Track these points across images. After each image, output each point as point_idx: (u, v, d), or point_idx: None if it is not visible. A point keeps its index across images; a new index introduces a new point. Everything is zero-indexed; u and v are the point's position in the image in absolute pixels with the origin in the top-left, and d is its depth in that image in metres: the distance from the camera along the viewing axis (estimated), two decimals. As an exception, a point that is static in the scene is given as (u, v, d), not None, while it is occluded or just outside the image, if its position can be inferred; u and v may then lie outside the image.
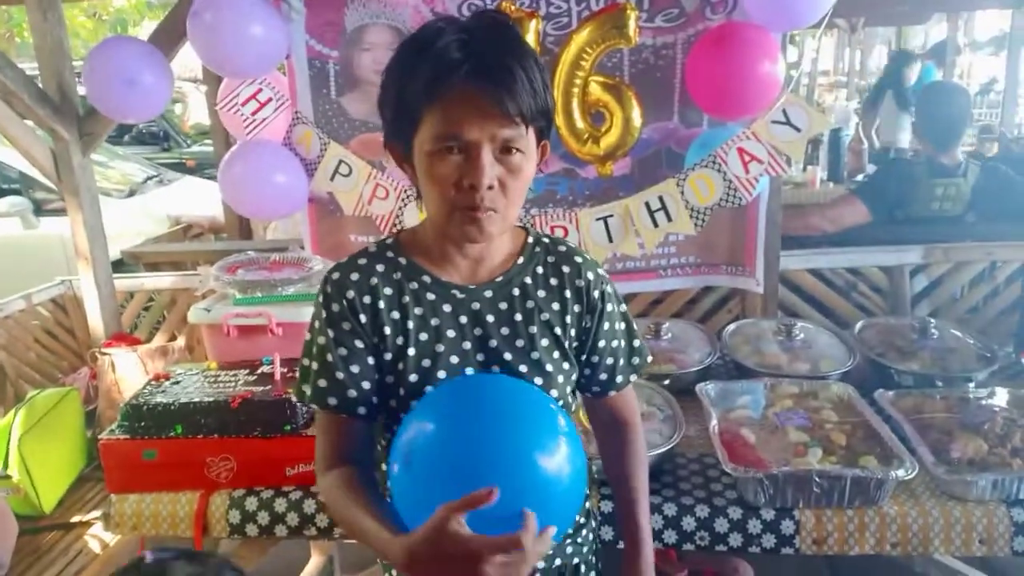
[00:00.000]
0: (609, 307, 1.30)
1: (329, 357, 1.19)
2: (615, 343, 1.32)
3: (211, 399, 1.77)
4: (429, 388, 1.17)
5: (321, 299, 1.21)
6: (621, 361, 1.33)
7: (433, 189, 1.12)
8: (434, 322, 1.20)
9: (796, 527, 1.65)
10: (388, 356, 1.19)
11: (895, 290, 2.83)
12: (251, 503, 1.76)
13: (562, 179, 2.56)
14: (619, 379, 1.34)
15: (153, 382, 1.91)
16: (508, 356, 1.20)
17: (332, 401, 1.19)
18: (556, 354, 1.24)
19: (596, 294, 1.28)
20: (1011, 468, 1.62)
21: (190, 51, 2.40)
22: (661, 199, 2.36)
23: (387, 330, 1.19)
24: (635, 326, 1.37)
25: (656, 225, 2.37)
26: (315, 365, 1.21)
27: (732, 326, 2.43)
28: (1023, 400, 1.87)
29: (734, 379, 2.14)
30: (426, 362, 1.18)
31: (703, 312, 2.85)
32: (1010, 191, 3.00)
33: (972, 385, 2.01)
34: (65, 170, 2.66)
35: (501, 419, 1.05)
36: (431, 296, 1.21)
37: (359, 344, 1.19)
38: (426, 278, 1.22)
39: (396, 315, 1.19)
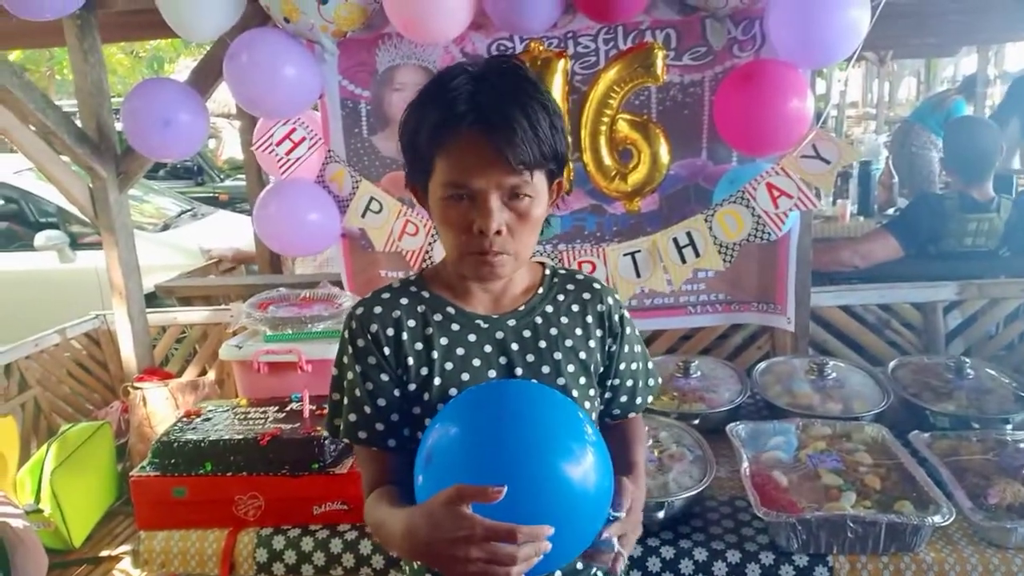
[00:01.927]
0: (628, 330, 1.33)
1: (357, 392, 1.22)
2: (635, 365, 1.35)
3: (240, 437, 1.78)
4: None
5: (347, 334, 1.24)
6: (640, 383, 1.36)
7: (446, 233, 1.17)
8: (459, 351, 1.22)
9: (830, 573, 1.61)
10: (412, 387, 1.21)
11: (929, 327, 2.78)
12: (278, 542, 1.76)
13: (589, 215, 2.57)
14: (638, 400, 1.36)
15: (184, 419, 1.93)
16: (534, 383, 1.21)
17: (362, 435, 1.22)
18: (582, 380, 1.26)
19: (617, 318, 1.31)
20: (1052, 514, 1.58)
21: (224, 87, 2.46)
22: (689, 235, 2.36)
23: (410, 361, 1.21)
24: (647, 349, 1.40)
25: (684, 261, 2.37)
26: (345, 400, 1.24)
27: (763, 364, 2.41)
28: (1063, 443, 1.82)
29: (765, 419, 2.11)
30: (452, 391, 1.20)
31: (733, 348, 2.82)
32: (1045, 227, 2.96)
33: (1010, 427, 1.97)
34: (102, 207, 2.71)
35: (524, 421, 1.04)
36: (455, 327, 1.23)
37: (384, 377, 1.21)
38: (450, 309, 1.24)
39: (420, 346, 1.22)
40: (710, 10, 2.26)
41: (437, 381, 1.20)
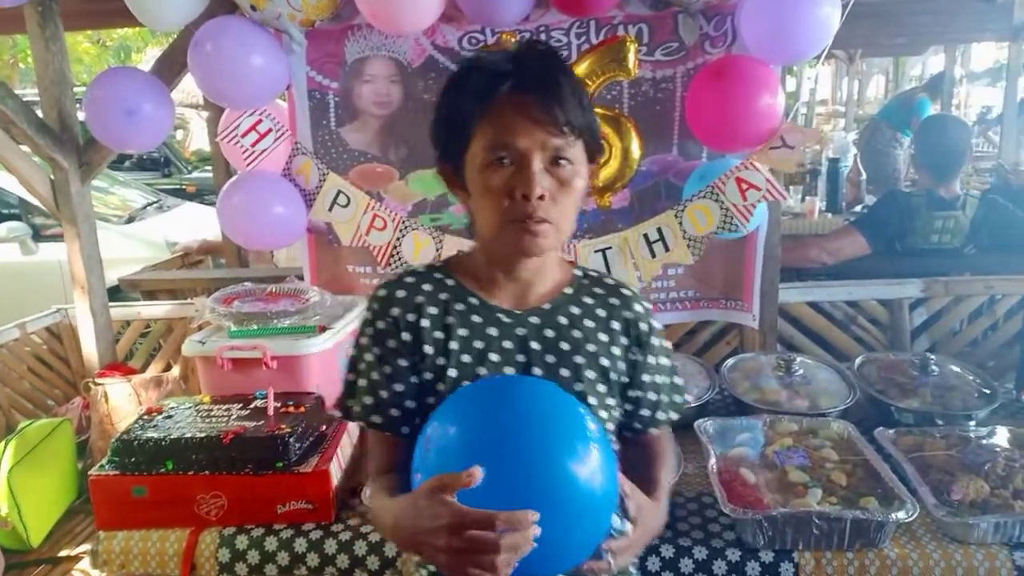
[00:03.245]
0: (655, 342, 1.28)
1: (374, 375, 1.20)
2: (659, 379, 1.29)
3: (203, 435, 1.75)
4: None
5: (368, 315, 1.22)
6: (665, 398, 1.30)
7: (486, 202, 1.13)
8: (478, 344, 1.19)
9: (795, 569, 1.62)
10: (428, 376, 1.19)
11: (895, 323, 2.81)
12: (241, 541, 1.73)
13: (561, 211, 2.55)
14: (660, 416, 1.30)
15: (145, 416, 1.89)
16: None
17: (376, 420, 1.20)
18: (601, 387, 1.21)
19: (644, 327, 1.27)
20: (1013, 510, 1.59)
21: (192, 78, 2.41)
22: (660, 231, 2.36)
23: (428, 349, 1.18)
24: (675, 363, 1.35)
25: (654, 256, 2.37)
26: (361, 382, 1.22)
27: (731, 360, 2.41)
28: (1023, 440, 1.85)
29: (733, 415, 2.12)
30: (466, 383, 1.16)
31: (701, 344, 2.83)
32: (1009, 224, 2.99)
33: (973, 424, 1.99)
34: (63, 199, 2.65)
35: (524, 415, 1.01)
36: (476, 318, 1.20)
37: (403, 363, 1.19)
38: (473, 300, 1.22)
39: (439, 335, 1.19)
40: (682, 6, 2.26)
41: (453, 372, 1.17)
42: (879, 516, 1.58)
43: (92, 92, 2.35)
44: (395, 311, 1.19)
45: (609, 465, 1.03)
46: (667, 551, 1.67)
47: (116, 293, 3.29)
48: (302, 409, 1.85)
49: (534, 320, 1.21)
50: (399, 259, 2.49)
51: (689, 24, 2.33)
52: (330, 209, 2.44)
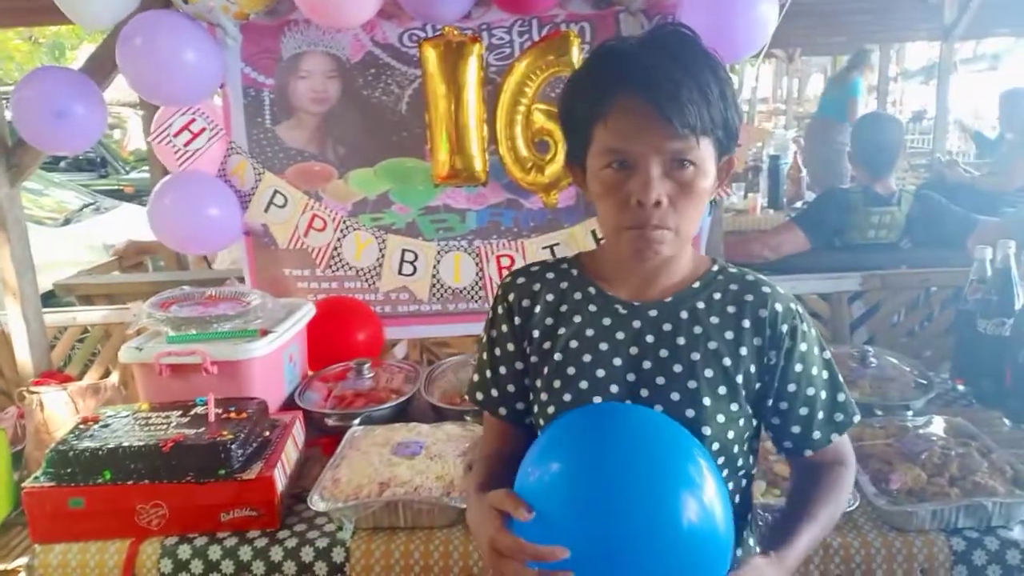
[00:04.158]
0: (803, 347, 1.18)
1: (484, 356, 1.28)
2: (810, 391, 1.18)
3: (141, 443, 1.70)
4: (568, 396, 1.15)
5: (493, 300, 1.29)
6: (820, 415, 1.19)
7: (604, 207, 1.12)
8: (588, 332, 1.18)
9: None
10: (534, 359, 1.20)
11: (835, 317, 2.87)
12: (184, 551, 1.69)
13: (506, 210, 2.56)
14: (816, 435, 1.20)
15: (80, 425, 1.83)
16: (660, 381, 1.14)
17: (479, 396, 1.29)
18: (721, 389, 1.13)
19: (784, 328, 1.16)
20: (949, 498, 1.64)
21: (123, 76, 2.35)
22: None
23: (535, 333, 1.21)
24: (841, 379, 1.24)
25: (601, 252, 2.38)
26: (476, 360, 1.31)
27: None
28: (959, 428, 1.90)
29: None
30: (571, 370, 1.16)
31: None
32: (943, 218, 3.09)
33: (911, 413, 2.04)
34: (-9, 202, 2.56)
35: (625, 458, 0.98)
36: (592, 308, 1.20)
37: (510, 347, 1.24)
38: (591, 290, 1.21)
39: (550, 320, 1.21)
40: (624, 5, 2.28)
41: (558, 356, 1.18)
42: (821, 507, 1.61)
43: (19, 92, 2.28)
44: (512, 296, 1.24)
45: (721, 503, 0.99)
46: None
47: (51, 298, 3.19)
48: (244, 415, 1.82)
49: (652, 313, 1.17)
50: (340, 260, 2.47)
51: (631, 23, 2.35)
52: (266, 210, 2.40)
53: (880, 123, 3.44)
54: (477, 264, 2.56)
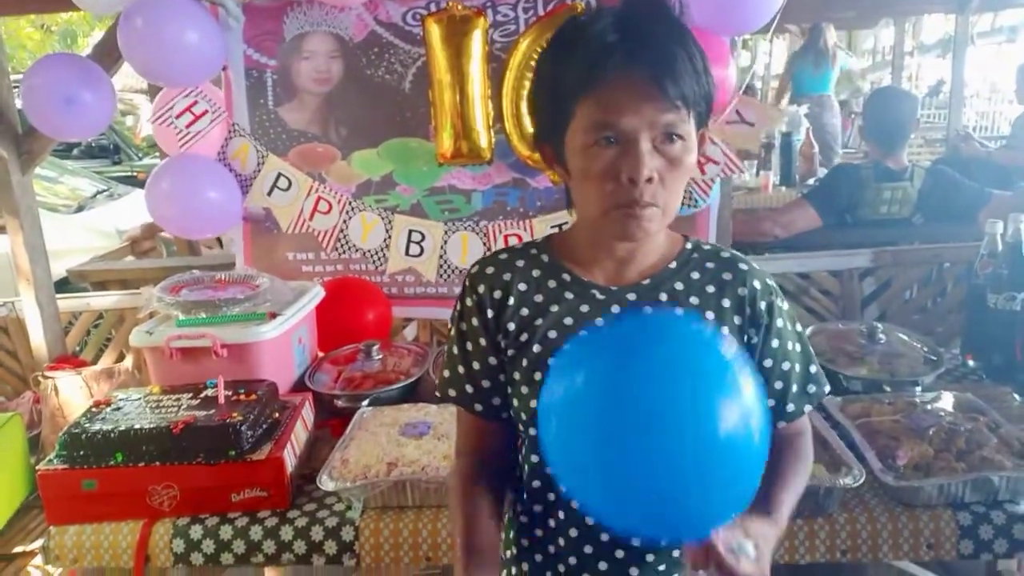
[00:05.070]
0: (779, 322, 1.16)
1: (455, 350, 1.22)
2: (785, 365, 1.17)
3: (152, 425, 1.72)
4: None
5: (460, 292, 1.22)
6: (794, 387, 1.18)
7: (588, 186, 1.06)
8: (567, 321, 1.13)
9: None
10: (511, 352, 1.16)
11: (846, 294, 2.86)
12: (195, 531, 1.71)
13: (512, 189, 2.55)
14: (790, 407, 1.18)
15: (93, 408, 1.86)
16: None
17: (451, 393, 1.23)
18: None
19: (763, 305, 1.15)
20: (956, 472, 1.63)
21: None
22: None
23: (511, 326, 1.16)
24: (812, 350, 1.23)
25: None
26: (446, 355, 1.24)
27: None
28: (967, 404, 1.89)
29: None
30: (551, 361, 1.10)
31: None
32: (955, 193, 3.06)
33: (919, 389, 2.03)
34: (3, 190, 2.58)
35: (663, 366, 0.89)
36: (569, 295, 1.15)
37: (482, 342, 1.18)
38: (566, 276, 1.17)
39: (525, 311, 1.16)
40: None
41: (536, 348, 1.14)
42: (827, 482, 1.61)
43: (29, 80, 2.29)
44: (482, 288, 1.18)
45: (758, 407, 0.92)
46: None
47: (65, 285, 3.22)
48: (253, 397, 1.83)
49: (631, 296, 1.14)
50: (346, 242, 2.47)
51: (637, -2, 2.32)
52: (269, 193, 2.40)
53: (893, 98, 3.41)
54: (485, 244, 2.56)
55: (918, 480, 1.64)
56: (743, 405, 0.89)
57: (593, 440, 0.88)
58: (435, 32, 2.29)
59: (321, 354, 2.39)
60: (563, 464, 0.94)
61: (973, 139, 4.95)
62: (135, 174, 7.98)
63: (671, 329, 0.97)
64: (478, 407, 1.21)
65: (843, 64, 6.23)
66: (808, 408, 1.21)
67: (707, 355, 0.92)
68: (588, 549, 1.15)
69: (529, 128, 2.39)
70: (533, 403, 1.12)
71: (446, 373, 1.23)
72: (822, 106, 5.97)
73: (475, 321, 1.19)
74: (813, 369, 1.21)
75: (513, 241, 2.54)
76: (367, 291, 2.53)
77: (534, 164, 2.45)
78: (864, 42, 14.01)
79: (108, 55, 2.42)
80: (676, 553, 1.17)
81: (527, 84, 2.35)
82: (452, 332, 1.23)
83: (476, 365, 1.20)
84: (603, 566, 1.15)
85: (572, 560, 1.17)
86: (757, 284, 1.16)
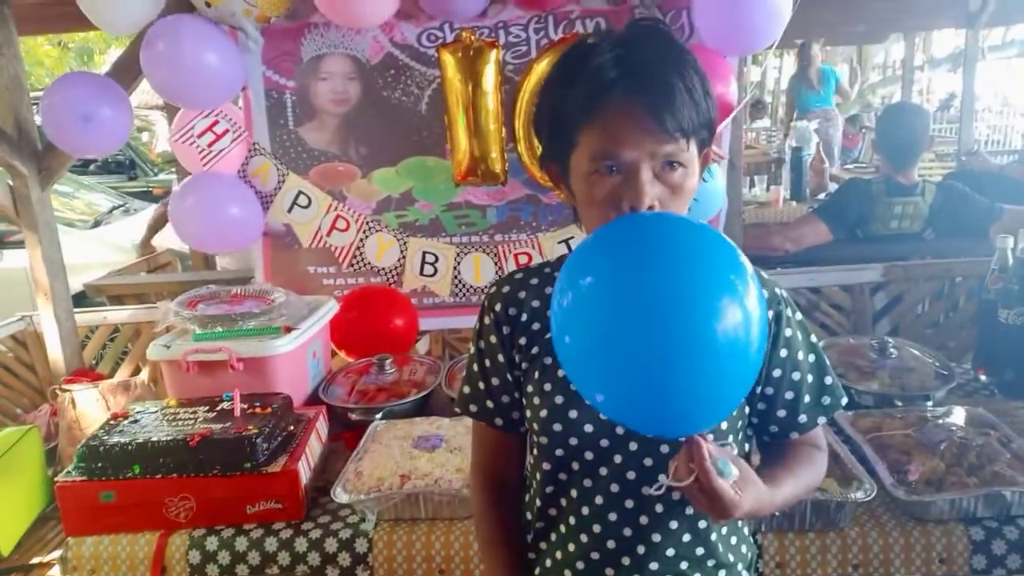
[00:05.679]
0: (788, 332, 1.17)
1: (475, 367, 1.27)
2: (795, 375, 1.17)
3: (169, 438, 1.74)
4: (560, 399, 1.16)
5: (479, 312, 1.27)
6: (806, 398, 1.18)
7: (592, 212, 1.08)
8: None
9: (758, 550, 1.65)
10: (524, 365, 1.21)
11: (857, 308, 2.86)
12: (211, 543, 1.73)
13: (525, 205, 2.58)
14: (802, 419, 1.18)
15: (111, 421, 1.88)
16: None
17: (472, 408, 1.28)
18: None
19: (770, 315, 1.14)
20: (967, 487, 1.63)
21: (147, 79, 2.40)
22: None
23: (522, 340, 1.20)
24: (828, 362, 1.23)
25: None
26: (465, 372, 1.29)
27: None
28: (979, 418, 1.89)
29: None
30: (561, 372, 1.15)
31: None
32: (966, 208, 3.06)
33: (930, 404, 2.03)
34: (23, 205, 2.62)
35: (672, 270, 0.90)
36: None
37: (500, 358, 1.23)
38: None
39: (537, 326, 1.20)
40: (639, -1, 2.29)
41: (547, 360, 1.18)
42: (838, 497, 1.62)
43: (48, 98, 2.33)
44: (498, 307, 1.22)
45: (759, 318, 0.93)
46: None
47: (82, 299, 3.26)
48: (269, 410, 1.86)
49: None
50: (362, 260, 2.50)
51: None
52: (289, 210, 2.44)
53: (905, 113, 3.41)
54: (496, 264, 2.59)
55: (930, 495, 1.64)
56: (744, 308, 0.90)
57: (594, 327, 0.91)
58: (450, 63, 2.31)
59: (351, 359, 2.42)
60: (571, 361, 0.96)
61: (981, 155, 4.94)
62: (151, 189, 8.06)
63: (683, 227, 0.96)
64: (499, 421, 1.26)
65: (836, 76, 6.32)
66: (822, 420, 1.21)
67: (715, 254, 0.94)
68: (595, 556, 1.18)
69: (539, 150, 2.42)
70: (543, 413, 1.17)
71: (466, 389, 1.28)
72: (828, 119, 6.05)
73: (493, 339, 1.23)
74: (828, 380, 1.21)
75: (523, 260, 2.57)
76: (395, 299, 2.56)
77: (545, 183, 2.47)
78: (875, 57, 14.02)
79: (127, 72, 2.47)
80: (684, 565, 1.19)
81: (537, 108, 2.38)
82: (472, 350, 1.27)
83: (495, 381, 1.24)
84: (609, 572, 1.18)
85: (580, 565, 1.19)
86: (765, 294, 1.16)
